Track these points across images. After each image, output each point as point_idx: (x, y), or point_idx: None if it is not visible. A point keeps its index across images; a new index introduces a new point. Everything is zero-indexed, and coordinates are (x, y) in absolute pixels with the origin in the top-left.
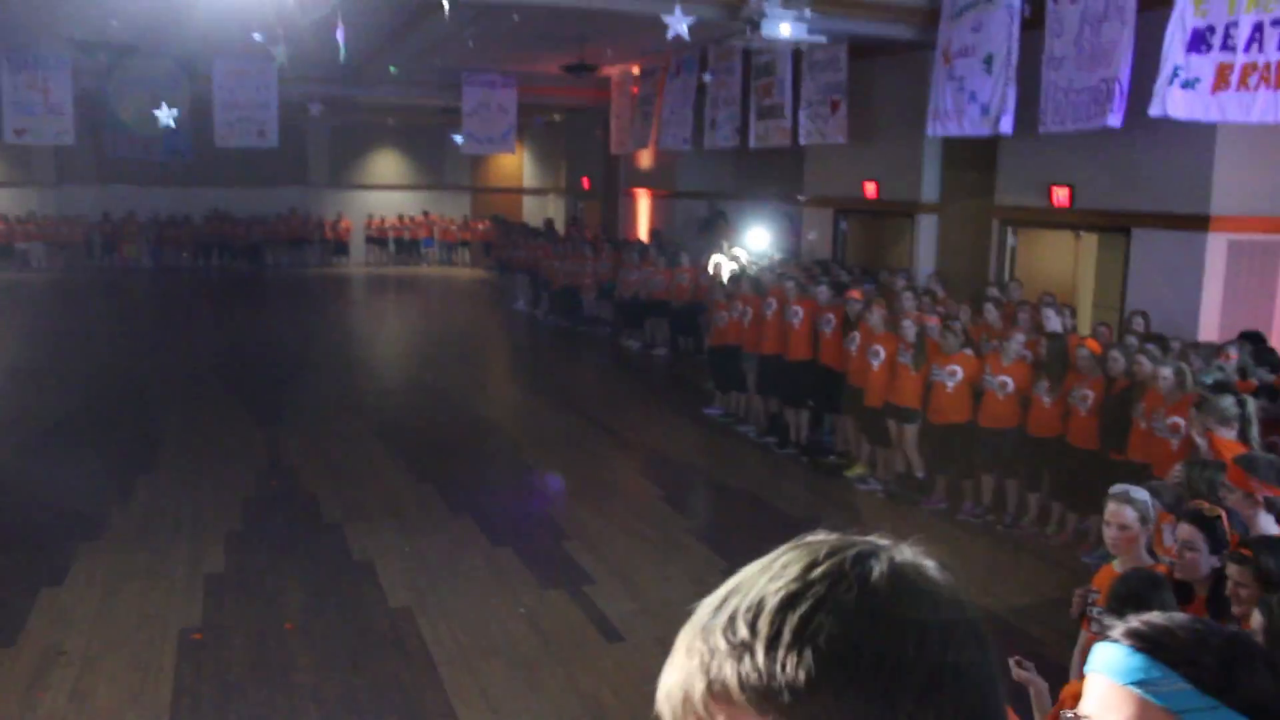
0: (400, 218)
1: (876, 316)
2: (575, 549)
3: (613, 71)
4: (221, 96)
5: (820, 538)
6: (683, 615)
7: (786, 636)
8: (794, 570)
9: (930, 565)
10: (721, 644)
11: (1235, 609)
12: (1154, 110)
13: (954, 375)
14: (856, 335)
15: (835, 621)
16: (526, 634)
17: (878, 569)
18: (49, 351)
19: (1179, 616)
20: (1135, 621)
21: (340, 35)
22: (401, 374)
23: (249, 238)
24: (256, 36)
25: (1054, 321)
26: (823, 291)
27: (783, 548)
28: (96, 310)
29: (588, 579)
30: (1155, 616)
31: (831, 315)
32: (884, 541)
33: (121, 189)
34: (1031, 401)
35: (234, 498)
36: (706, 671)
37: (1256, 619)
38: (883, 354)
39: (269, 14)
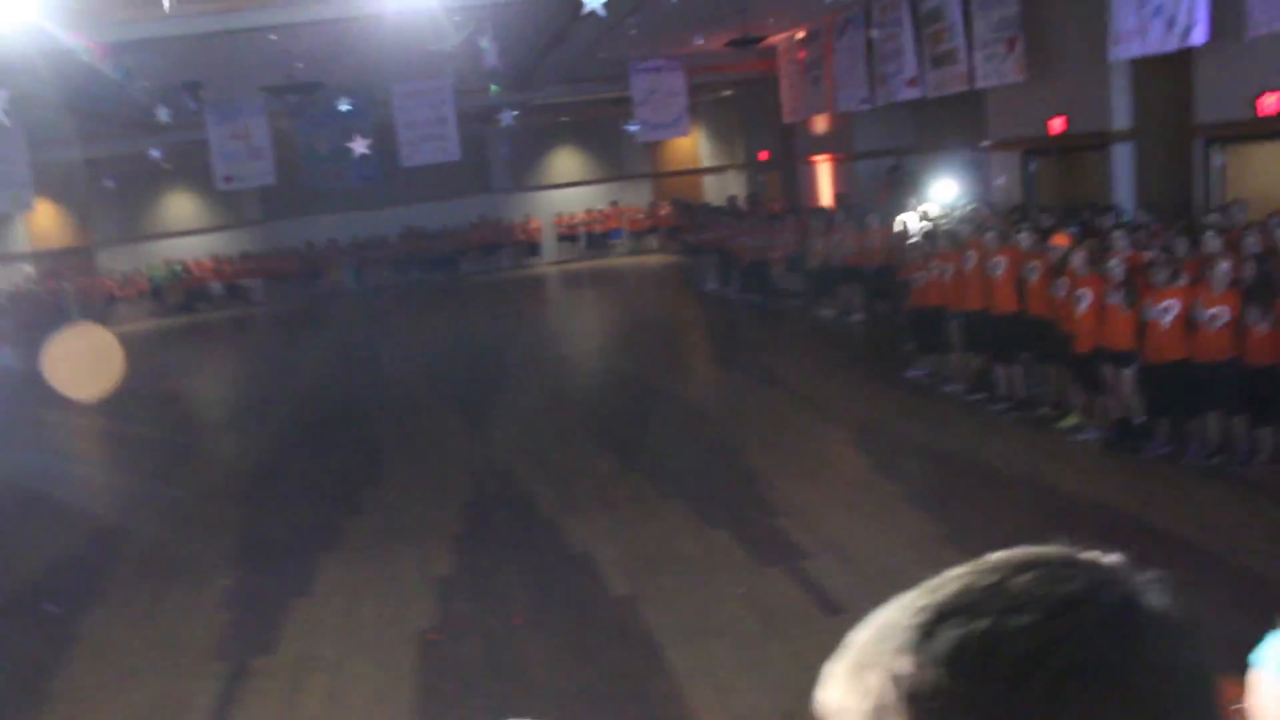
0: (588, 211)
1: (1078, 258)
2: (789, 525)
3: (777, 40)
4: (402, 117)
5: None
6: (902, 583)
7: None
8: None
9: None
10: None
11: None
12: None
13: (1168, 311)
14: (1063, 281)
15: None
16: (747, 613)
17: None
18: (276, 377)
19: None
20: None
21: (489, 52)
22: (601, 365)
23: (443, 249)
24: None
25: None
26: (1024, 238)
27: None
28: (313, 335)
29: (804, 554)
30: None
31: (1036, 263)
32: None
33: (321, 219)
34: (1247, 331)
35: (454, 501)
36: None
37: None
38: (1089, 297)
39: (430, 33)
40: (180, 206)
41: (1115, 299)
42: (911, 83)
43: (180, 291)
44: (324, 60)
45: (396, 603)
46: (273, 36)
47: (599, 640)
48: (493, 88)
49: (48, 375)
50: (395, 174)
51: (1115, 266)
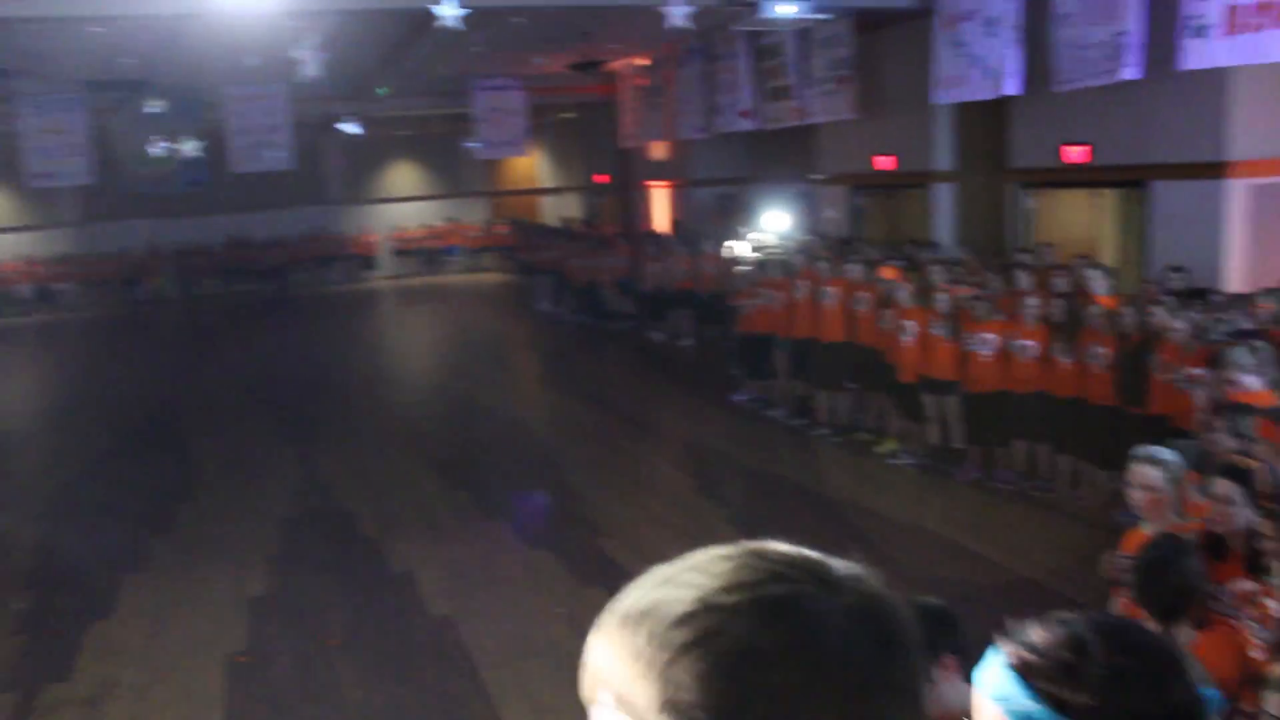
0: (425, 227)
1: (904, 291)
2: (611, 546)
3: (619, 65)
4: (234, 123)
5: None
6: None
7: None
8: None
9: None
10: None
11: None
12: (1179, 64)
13: (987, 343)
14: (889, 312)
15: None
16: (567, 634)
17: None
18: (87, 387)
19: (1070, 635)
20: (1020, 641)
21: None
22: (429, 383)
23: (270, 260)
24: (298, 55)
25: (1097, 283)
26: (854, 270)
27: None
28: (128, 344)
29: (626, 574)
30: (1043, 635)
31: (866, 294)
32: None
33: (143, 223)
34: (1053, 363)
35: (272, 519)
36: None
37: None
38: (915, 328)
39: (269, 40)
40: None
41: (939, 330)
42: (745, 114)
43: None
44: (152, 57)
45: (205, 624)
46: (98, 29)
47: (416, 660)
48: (378, 90)
49: None
50: (224, 180)
51: (942, 300)
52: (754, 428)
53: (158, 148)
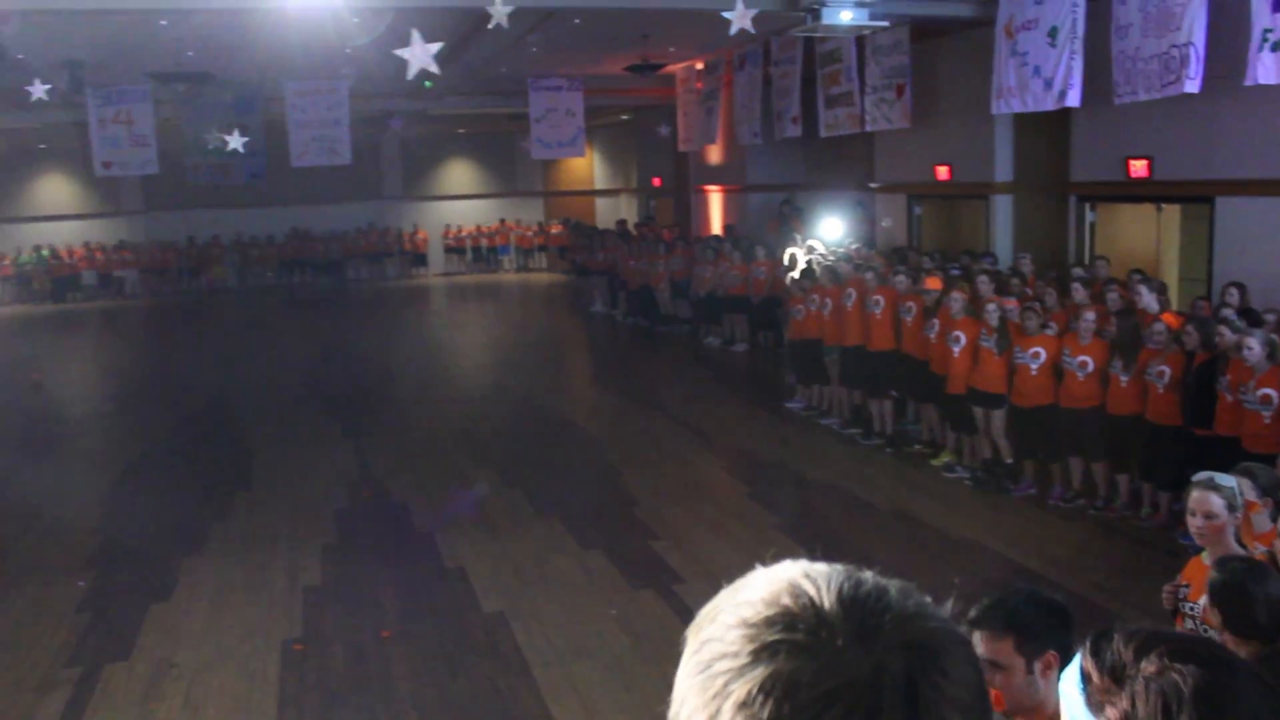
0: (478, 227)
1: (957, 302)
2: (663, 549)
3: (677, 69)
4: (294, 117)
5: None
6: None
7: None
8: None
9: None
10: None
11: None
12: (1248, 79)
13: (1037, 358)
14: (936, 322)
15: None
16: (618, 634)
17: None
18: (148, 374)
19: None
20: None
21: (415, 55)
22: (484, 380)
23: (328, 254)
24: (348, 50)
25: (1148, 299)
26: (901, 280)
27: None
28: (189, 332)
29: (677, 578)
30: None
31: (912, 303)
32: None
33: (205, 213)
34: (1110, 380)
35: (327, 509)
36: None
37: None
38: (963, 339)
39: (333, 34)
40: (54, 190)
41: (988, 343)
42: (795, 120)
43: (48, 279)
44: (217, 51)
45: (262, 610)
46: (163, 22)
47: (468, 655)
48: (426, 83)
49: None
50: (283, 173)
51: (991, 312)
52: (807, 435)
53: (220, 140)
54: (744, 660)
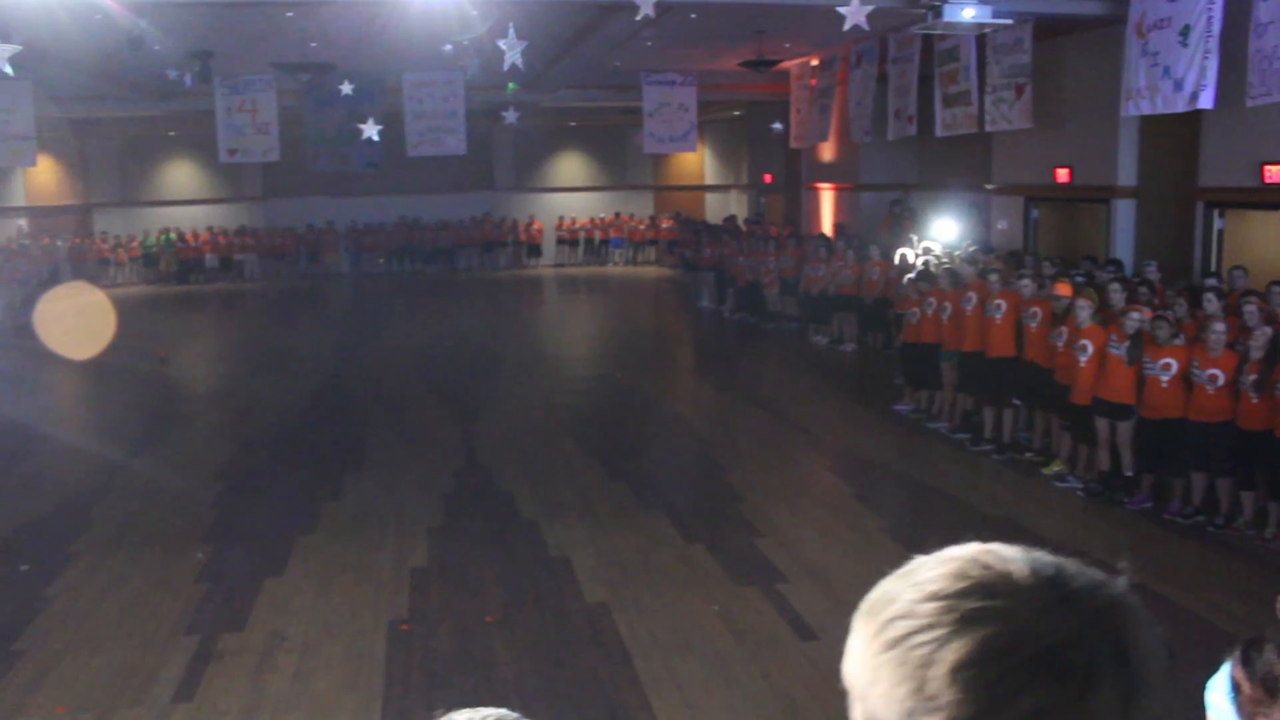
0: (591, 219)
1: (1084, 310)
2: (767, 547)
3: (791, 65)
4: (411, 108)
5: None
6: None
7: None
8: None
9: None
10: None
11: None
12: None
13: (1168, 369)
14: (1064, 330)
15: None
16: (721, 631)
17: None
18: (266, 355)
19: None
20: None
21: (510, 44)
22: (591, 372)
23: (438, 242)
24: (447, 48)
25: None
26: (1027, 285)
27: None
28: (304, 315)
29: (781, 577)
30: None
31: (1037, 309)
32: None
33: (321, 200)
34: (1241, 394)
35: (435, 493)
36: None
37: None
38: (1090, 348)
39: (454, 26)
40: (180, 175)
41: (1117, 352)
42: (911, 119)
43: (173, 260)
44: (338, 42)
45: (370, 590)
46: (290, 14)
47: (571, 644)
48: (510, 85)
49: (38, 331)
50: (398, 163)
51: (1131, 321)
52: (915, 439)
53: (339, 130)
54: (946, 629)
